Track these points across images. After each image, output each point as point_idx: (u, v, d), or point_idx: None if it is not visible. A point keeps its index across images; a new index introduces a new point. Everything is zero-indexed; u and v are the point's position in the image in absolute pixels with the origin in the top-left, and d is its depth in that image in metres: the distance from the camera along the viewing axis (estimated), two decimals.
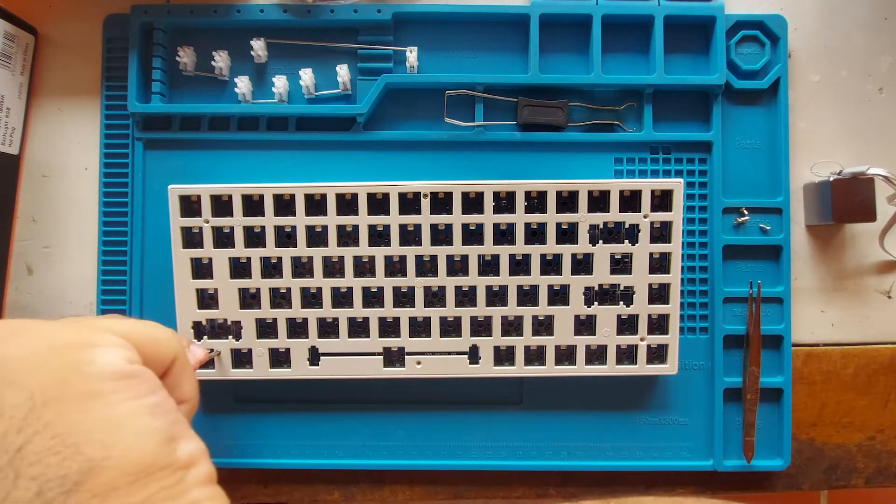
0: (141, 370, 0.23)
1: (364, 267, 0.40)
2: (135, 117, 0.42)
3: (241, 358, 0.40)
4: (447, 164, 0.42)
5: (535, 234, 0.39)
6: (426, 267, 0.40)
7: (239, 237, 0.39)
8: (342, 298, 0.40)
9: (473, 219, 0.39)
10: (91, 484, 0.19)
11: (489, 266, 0.40)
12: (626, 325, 0.40)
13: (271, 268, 0.40)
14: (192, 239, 0.39)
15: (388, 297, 0.39)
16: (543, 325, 0.40)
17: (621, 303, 0.40)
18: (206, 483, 0.22)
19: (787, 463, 0.42)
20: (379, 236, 0.39)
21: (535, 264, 0.39)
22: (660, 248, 0.39)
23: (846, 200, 0.40)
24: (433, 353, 0.40)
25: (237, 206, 0.39)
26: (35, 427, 0.19)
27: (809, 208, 0.43)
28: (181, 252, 0.39)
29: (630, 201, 0.39)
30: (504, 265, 0.39)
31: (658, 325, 0.40)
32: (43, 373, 0.20)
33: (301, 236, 0.39)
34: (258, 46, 0.41)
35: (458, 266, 0.40)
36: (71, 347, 0.22)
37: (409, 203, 0.39)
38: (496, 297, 0.40)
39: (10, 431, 0.19)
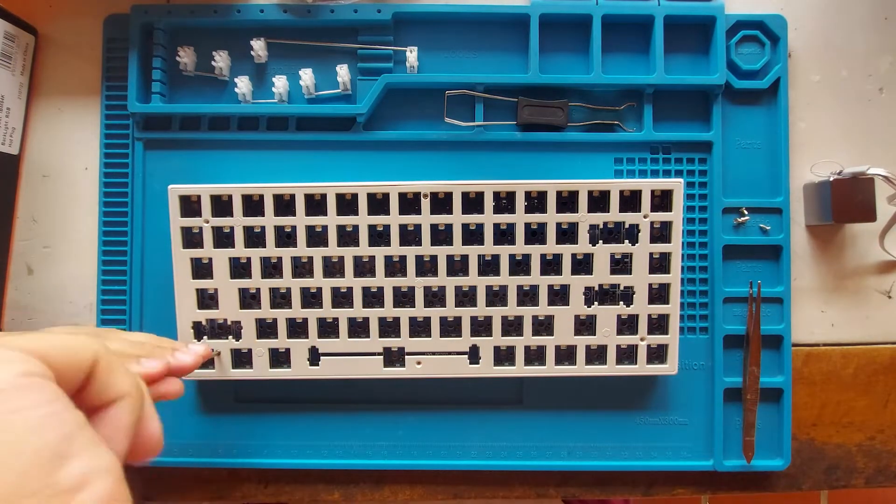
0: (33, 382, 0.21)
1: (364, 267, 0.40)
2: (135, 117, 0.42)
3: (241, 358, 0.40)
4: (447, 164, 0.42)
5: (535, 234, 0.39)
6: (426, 267, 0.40)
7: (239, 237, 0.39)
8: (342, 298, 0.40)
9: (473, 219, 0.39)
10: None
11: (489, 266, 0.40)
12: (626, 325, 0.40)
13: (271, 268, 0.40)
14: (192, 239, 0.39)
15: (388, 297, 0.39)
16: (543, 325, 0.40)
17: (621, 303, 0.40)
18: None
19: (788, 463, 0.42)
20: (379, 236, 0.39)
21: (535, 264, 0.39)
22: (660, 248, 0.39)
23: (846, 200, 0.40)
24: (433, 353, 0.40)
25: (237, 206, 0.39)
26: None
27: (809, 208, 0.43)
28: (181, 252, 0.39)
29: (630, 201, 0.39)
30: (504, 265, 0.39)
31: (658, 325, 0.40)
32: None
33: (301, 236, 0.39)
34: (258, 46, 0.41)
35: (458, 266, 0.40)
36: None
37: (409, 203, 0.39)
38: (496, 297, 0.40)
39: None
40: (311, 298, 0.40)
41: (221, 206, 0.39)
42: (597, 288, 0.40)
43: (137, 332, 0.37)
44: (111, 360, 0.25)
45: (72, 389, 0.23)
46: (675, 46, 0.42)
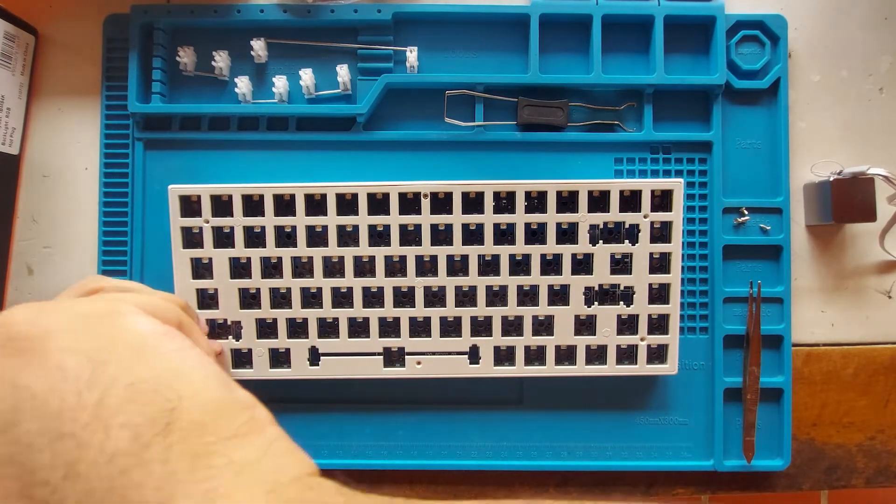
0: (171, 329, 0.24)
1: (364, 267, 0.40)
2: (135, 117, 0.42)
3: (241, 358, 0.40)
4: (447, 164, 0.42)
5: (535, 234, 0.39)
6: (426, 267, 0.40)
7: (239, 237, 0.39)
8: (342, 298, 0.40)
9: (473, 219, 0.39)
10: (182, 423, 0.20)
11: (489, 266, 0.40)
12: (627, 325, 0.40)
13: (271, 268, 0.40)
14: (192, 239, 0.39)
15: (388, 297, 0.39)
16: (543, 325, 0.40)
17: (621, 303, 0.40)
18: (273, 422, 0.23)
19: (788, 463, 0.42)
20: (379, 236, 0.39)
21: (535, 264, 0.39)
22: (660, 248, 0.39)
23: (846, 200, 0.40)
24: (433, 353, 0.40)
25: (237, 206, 0.39)
26: (104, 382, 0.20)
27: (809, 208, 0.43)
28: (181, 252, 0.39)
29: (630, 201, 0.39)
30: (504, 265, 0.39)
31: (658, 325, 0.40)
32: (89, 337, 0.21)
33: (301, 236, 0.39)
34: (258, 46, 0.41)
35: (458, 266, 0.40)
36: (105, 315, 0.23)
37: (409, 203, 0.39)
38: (496, 297, 0.40)
39: (83, 390, 0.19)
40: (311, 298, 0.40)
41: (221, 206, 0.39)
42: (597, 288, 0.40)
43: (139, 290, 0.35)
44: (191, 322, 0.28)
45: None
46: (675, 46, 0.42)
